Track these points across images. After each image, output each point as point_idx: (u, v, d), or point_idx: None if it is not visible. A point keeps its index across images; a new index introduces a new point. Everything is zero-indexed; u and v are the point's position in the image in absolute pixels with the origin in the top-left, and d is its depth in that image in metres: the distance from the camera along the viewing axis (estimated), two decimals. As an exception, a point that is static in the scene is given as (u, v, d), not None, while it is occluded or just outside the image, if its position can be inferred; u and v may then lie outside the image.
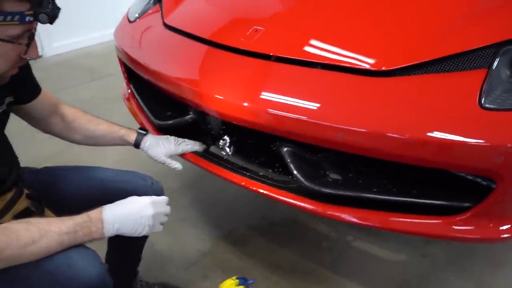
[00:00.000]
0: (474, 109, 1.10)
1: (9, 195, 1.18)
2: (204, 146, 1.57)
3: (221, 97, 1.33)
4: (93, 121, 1.47)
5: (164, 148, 1.50)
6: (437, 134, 1.09)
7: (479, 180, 1.21)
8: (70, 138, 1.47)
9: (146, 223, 1.14)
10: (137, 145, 1.49)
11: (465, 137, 1.08)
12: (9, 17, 0.96)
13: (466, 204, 1.20)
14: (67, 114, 1.44)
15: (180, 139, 1.54)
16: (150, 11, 1.92)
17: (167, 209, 1.23)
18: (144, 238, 1.53)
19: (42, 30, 4.35)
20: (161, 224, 1.21)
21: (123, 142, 1.50)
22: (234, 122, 1.35)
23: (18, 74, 1.14)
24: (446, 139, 1.08)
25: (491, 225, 1.21)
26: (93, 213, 1.10)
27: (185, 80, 1.46)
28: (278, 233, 2.10)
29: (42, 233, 1.01)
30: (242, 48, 1.43)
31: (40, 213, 1.23)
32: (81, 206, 1.33)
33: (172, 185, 2.45)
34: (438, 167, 1.17)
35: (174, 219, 2.17)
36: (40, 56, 4.38)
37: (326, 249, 2.00)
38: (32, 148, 2.76)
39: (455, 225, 1.21)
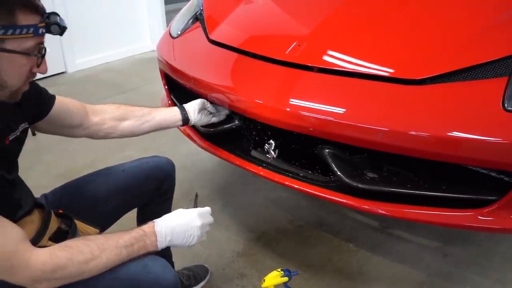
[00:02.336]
0: (498, 112, 1.25)
1: (35, 217, 1.20)
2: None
3: (269, 105, 1.49)
4: (134, 105, 1.57)
5: (207, 118, 1.70)
6: (465, 135, 1.25)
7: (502, 176, 1.36)
8: (120, 127, 1.51)
9: (195, 233, 1.23)
10: (185, 120, 1.63)
11: (491, 137, 1.23)
12: (24, 30, 0.97)
13: (492, 198, 1.34)
14: (102, 108, 1.49)
15: (210, 106, 1.72)
16: (190, 28, 2.09)
17: (211, 219, 1.31)
18: None
19: (66, 47, 4.53)
20: (206, 232, 1.29)
21: (169, 122, 1.60)
22: (278, 126, 1.50)
23: (30, 92, 1.13)
24: (474, 138, 1.23)
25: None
26: (147, 227, 1.18)
27: (229, 87, 1.64)
28: (307, 235, 2.21)
29: (101, 247, 1.07)
30: (288, 61, 1.59)
31: (73, 230, 1.25)
32: (115, 203, 1.48)
33: (202, 191, 2.57)
34: (468, 164, 1.31)
35: (208, 223, 2.30)
36: (63, 72, 4.62)
37: (353, 250, 2.11)
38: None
39: (483, 217, 1.35)
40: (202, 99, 1.69)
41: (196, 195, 1.48)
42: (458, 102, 1.32)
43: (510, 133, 1.22)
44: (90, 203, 1.44)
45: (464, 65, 1.36)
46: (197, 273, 1.93)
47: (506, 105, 1.26)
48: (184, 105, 1.66)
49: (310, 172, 1.59)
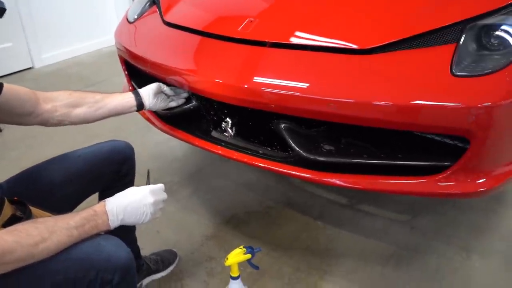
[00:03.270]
0: (447, 77, 1.26)
1: None
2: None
3: (222, 81, 1.48)
4: (87, 91, 1.55)
5: (164, 102, 1.68)
6: (416, 101, 1.25)
7: (455, 141, 1.37)
8: (73, 115, 1.47)
9: (148, 211, 1.22)
10: (139, 105, 1.60)
11: (442, 101, 1.24)
12: None
13: (446, 163, 1.36)
14: (54, 95, 1.46)
15: (167, 89, 1.70)
16: (147, 12, 2.06)
17: (165, 195, 1.30)
18: None
19: (31, 42, 4.43)
20: (160, 209, 1.28)
21: (123, 108, 1.57)
22: (237, 104, 1.50)
23: None
24: (425, 104, 1.25)
25: (468, 180, 1.37)
26: (98, 207, 1.17)
27: (188, 69, 1.61)
28: (275, 216, 2.23)
29: (50, 229, 1.05)
30: (240, 37, 1.58)
31: (28, 217, 1.22)
32: (72, 188, 1.45)
33: (172, 178, 2.57)
34: (420, 130, 1.33)
35: (178, 209, 2.29)
36: (30, 68, 4.53)
37: (321, 228, 2.13)
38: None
39: (438, 183, 1.37)
40: (157, 83, 1.66)
41: (148, 172, 1.47)
42: (408, 69, 1.33)
43: (459, 97, 1.24)
44: (45, 189, 1.41)
45: (412, 33, 1.37)
46: (166, 257, 1.93)
47: (454, 70, 1.27)
48: (139, 90, 1.63)
49: (269, 148, 1.59)
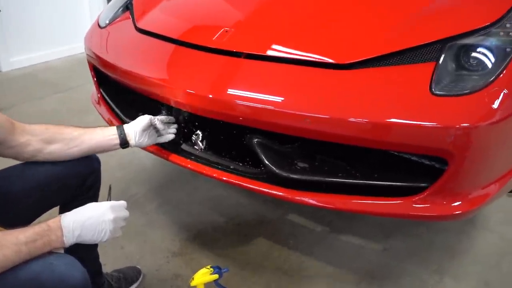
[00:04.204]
0: (426, 96, 1.22)
1: None
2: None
3: (193, 92, 1.41)
4: (67, 126, 1.43)
5: (152, 138, 1.54)
6: (394, 119, 1.21)
7: (433, 162, 1.33)
8: (46, 151, 1.36)
9: (107, 228, 1.15)
10: (124, 144, 1.47)
11: (420, 120, 1.20)
12: None
13: (423, 185, 1.32)
14: (32, 128, 1.35)
15: (158, 122, 1.54)
16: (120, 18, 1.99)
17: (126, 213, 1.23)
18: None
19: (0, 44, 4.30)
20: (121, 228, 1.22)
21: (104, 147, 1.45)
22: (209, 116, 1.43)
23: None
24: (403, 122, 1.20)
25: (444, 202, 1.33)
26: (52, 221, 1.10)
27: (158, 78, 1.54)
28: (245, 233, 2.15)
29: None
30: (214, 47, 1.51)
31: None
32: (32, 200, 1.35)
33: (139, 190, 2.48)
34: (397, 149, 1.28)
35: (143, 223, 2.20)
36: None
37: (293, 247, 2.06)
38: None
39: (414, 204, 1.33)
40: (148, 117, 1.51)
41: (110, 188, 1.38)
42: (386, 86, 1.29)
43: (438, 117, 1.20)
44: (9, 200, 1.32)
45: (393, 49, 1.33)
46: (128, 275, 1.83)
47: (433, 89, 1.23)
48: (125, 125, 1.49)
49: (240, 164, 1.52)
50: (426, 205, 1.33)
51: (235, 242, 2.10)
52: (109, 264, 1.89)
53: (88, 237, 1.13)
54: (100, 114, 2.01)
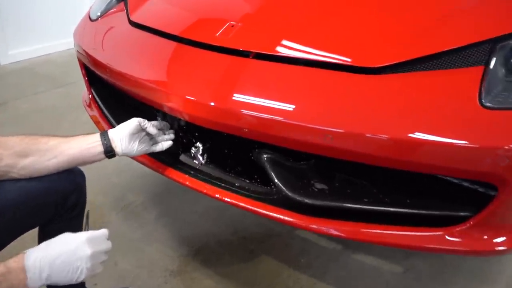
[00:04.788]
0: (475, 109, 1.00)
1: None
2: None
3: (193, 98, 1.19)
4: (43, 136, 1.23)
5: (144, 145, 1.32)
6: (435, 137, 0.99)
7: (477, 187, 1.11)
8: (20, 166, 1.16)
9: (83, 266, 0.97)
10: (108, 152, 1.26)
11: (467, 139, 0.98)
12: None
13: (465, 214, 1.10)
14: (5, 140, 1.17)
15: (150, 127, 1.32)
16: (114, 9, 1.77)
17: (108, 245, 1.05)
18: None
19: (-3, 36, 4.14)
20: (102, 263, 1.03)
21: (86, 157, 1.24)
22: (212, 127, 1.21)
23: None
24: (446, 141, 0.98)
25: (485, 237, 1.11)
26: (13, 261, 0.92)
27: (153, 81, 1.32)
28: (252, 248, 1.96)
29: None
30: (218, 45, 1.29)
31: None
32: (5, 221, 1.15)
33: (135, 198, 2.29)
34: (436, 173, 1.06)
35: (139, 236, 2.02)
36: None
37: (305, 265, 1.87)
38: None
39: (449, 237, 1.11)
40: (136, 120, 1.28)
41: (87, 215, 1.18)
42: (424, 96, 1.05)
43: (489, 135, 0.98)
44: None
45: (431, 51, 1.10)
46: (121, 298, 1.64)
47: (483, 100, 1.01)
48: (110, 130, 1.28)
49: (247, 181, 1.31)
50: (463, 239, 1.11)
51: (240, 259, 1.91)
52: (100, 284, 1.73)
53: (59, 278, 0.94)
54: (91, 118, 1.80)
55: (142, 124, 1.30)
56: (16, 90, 3.73)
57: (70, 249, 0.96)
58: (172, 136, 1.41)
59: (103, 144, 1.24)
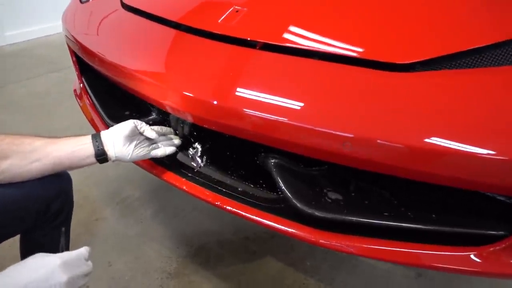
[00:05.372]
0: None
1: None
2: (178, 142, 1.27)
3: (191, 95, 1.04)
4: (27, 135, 1.09)
5: (142, 149, 1.18)
6: (472, 148, 0.84)
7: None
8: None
9: None
10: (100, 156, 1.12)
11: (507, 150, 0.83)
12: None
13: (499, 233, 0.96)
14: None
15: (149, 130, 1.19)
16: (107, -10, 1.61)
17: (87, 267, 0.93)
18: None
19: (-7, 17, 4.02)
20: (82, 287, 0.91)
21: (73, 160, 1.10)
22: (213, 128, 1.07)
23: None
24: (484, 153, 0.83)
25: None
26: None
27: (146, 73, 1.16)
28: (255, 250, 1.84)
29: None
30: (219, 33, 1.14)
31: None
32: None
33: (132, 193, 2.18)
34: (468, 188, 0.91)
35: (135, 234, 1.91)
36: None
37: (311, 269, 1.75)
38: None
39: (479, 258, 0.97)
40: (132, 122, 1.16)
41: (65, 232, 1.04)
42: (460, 98, 0.90)
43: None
44: None
45: (469, 46, 0.94)
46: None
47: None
48: (102, 132, 1.15)
49: (251, 186, 1.17)
50: (494, 260, 0.97)
51: (242, 261, 1.79)
52: (92, 286, 1.62)
53: None
54: (82, 111, 1.65)
55: (139, 127, 1.17)
56: (11, 74, 3.64)
57: (41, 277, 0.83)
58: (175, 142, 1.26)
59: (94, 146, 1.10)
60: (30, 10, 4.37)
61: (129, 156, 1.15)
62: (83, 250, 0.93)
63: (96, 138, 1.12)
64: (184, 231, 1.93)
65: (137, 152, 1.16)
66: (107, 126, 1.44)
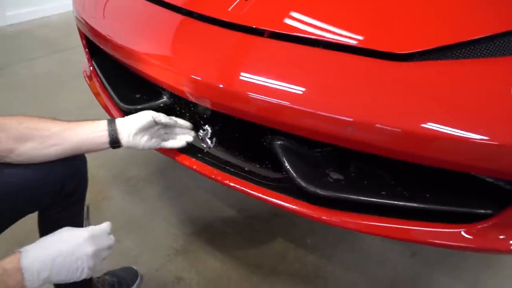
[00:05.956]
0: (511, 103, 0.91)
1: None
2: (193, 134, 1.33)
3: (198, 78, 1.11)
4: (45, 119, 1.13)
5: (155, 140, 1.24)
6: (467, 133, 0.90)
7: (502, 183, 1.05)
8: (18, 151, 1.07)
9: (85, 265, 0.91)
10: (114, 143, 1.17)
11: (501, 136, 0.90)
12: None
13: (487, 211, 1.04)
14: (3, 122, 1.07)
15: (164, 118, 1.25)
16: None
17: (111, 240, 0.99)
18: None
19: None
20: (104, 259, 0.97)
21: (90, 145, 1.15)
22: (221, 110, 1.13)
23: None
24: (478, 138, 0.90)
25: (503, 236, 1.04)
26: (9, 262, 0.85)
27: (157, 57, 1.23)
28: (258, 228, 1.92)
29: None
30: (229, 21, 1.20)
31: None
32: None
33: (139, 172, 2.24)
34: (462, 170, 0.99)
35: (142, 213, 1.98)
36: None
37: (311, 247, 1.84)
38: None
39: (468, 235, 1.05)
40: (149, 113, 1.20)
41: (87, 208, 1.11)
42: (457, 87, 0.96)
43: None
44: None
45: (467, 37, 1.01)
46: (123, 278, 1.61)
47: (519, 93, 0.93)
48: (118, 120, 1.18)
49: (257, 166, 1.24)
50: (482, 237, 1.05)
51: (246, 239, 1.87)
52: (102, 262, 1.68)
53: (59, 279, 0.88)
54: (93, 93, 1.71)
55: (157, 119, 1.22)
56: (13, 55, 3.63)
57: (70, 248, 0.89)
58: (189, 137, 1.32)
59: (109, 134, 1.16)
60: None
61: (141, 146, 1.21)
62: (106, 225, 1.00)
63: (112, 126, 1.17)
64: (190, 210, 2.00)
65: (149, 143, 1.22)
66: (117, 107, 1.50)
